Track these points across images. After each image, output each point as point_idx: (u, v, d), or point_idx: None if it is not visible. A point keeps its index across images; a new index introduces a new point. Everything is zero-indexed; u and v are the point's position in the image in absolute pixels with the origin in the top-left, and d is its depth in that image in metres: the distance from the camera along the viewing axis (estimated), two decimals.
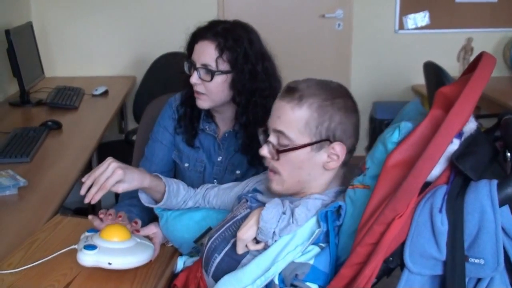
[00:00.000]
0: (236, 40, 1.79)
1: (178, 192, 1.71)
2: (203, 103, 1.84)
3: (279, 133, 1.39)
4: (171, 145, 2.00)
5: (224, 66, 1.79)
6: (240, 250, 1.36)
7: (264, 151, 1.43)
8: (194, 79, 1.80)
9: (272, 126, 1.42)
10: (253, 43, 1.83)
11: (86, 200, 1.48)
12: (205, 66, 1.79)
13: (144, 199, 1.69)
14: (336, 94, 1.40)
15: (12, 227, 1.78)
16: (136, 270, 1.49)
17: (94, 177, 1.50)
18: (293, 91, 1.39)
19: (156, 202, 1.69)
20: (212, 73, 1.78)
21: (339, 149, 1.38)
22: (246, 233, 1.35)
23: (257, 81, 1.82)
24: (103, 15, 4.16)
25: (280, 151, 1.39)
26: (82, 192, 1.49)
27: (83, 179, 1.51)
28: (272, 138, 1.41)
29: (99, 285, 1.43)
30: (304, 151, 1.38)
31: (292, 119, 1.37)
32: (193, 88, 1.83)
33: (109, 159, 1.53)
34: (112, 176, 1.50)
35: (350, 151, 1.42)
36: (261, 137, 1.49)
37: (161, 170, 1.94)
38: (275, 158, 1.41)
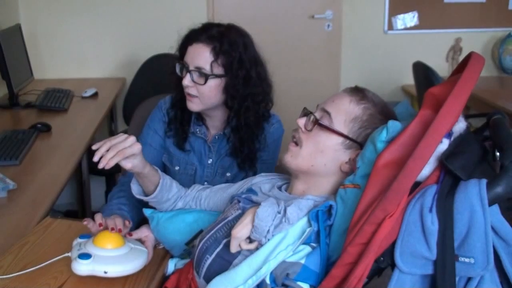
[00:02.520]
0: (231, 45, 1.79)
1: (171, 187, 1.70)
2: (194, 106, 1.84)
3: (326, 113, 1.45)
4: (160, 148, 1.99)
5: (218, 70, 1.79)
6: (233, 248, 1.36)
7: (301, 121, 1.47)
8: (187, 81, 1.80)
9: (323, 105, 1.47)
10: (248, 47, 1.83)
11: (101, 165, 1.44)
12: (198, 69, 1.78)
13: (135, 190, 1.68)
14: (390, 116, 1.43)
15: (1, 230, 1.77)
16: None
17: (110, 144, 1.47)
18: (358, 90, 1.48)
19: (147, 195, 1.68)
20: (206, 77, 1.77)
21: None
22: (241, 231, 1.35)
23: (250, 86, 1.82)
24: (92, 16, 4.15)
25: (318, 123, 1.43)
26: (96, 158, 1.46)
27: (95, 147, 1.48)
28: (317, 114, 1.46)
29: None
30: (335, 140, 1.43)
31: (345, 109, 1.44)
32: (185, 90, 1.83)
33: (125, 134, 1.52)
34: (131, 147, 1.49)
35: None
36: (302, 114, 1.51)
37: None
38: (308, 128, 1.45)
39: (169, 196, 1.70)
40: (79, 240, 1.52)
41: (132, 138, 1.51)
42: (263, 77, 1.88)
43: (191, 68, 1.80)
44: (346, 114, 1.43)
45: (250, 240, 1.36)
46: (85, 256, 1.41)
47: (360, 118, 1.42)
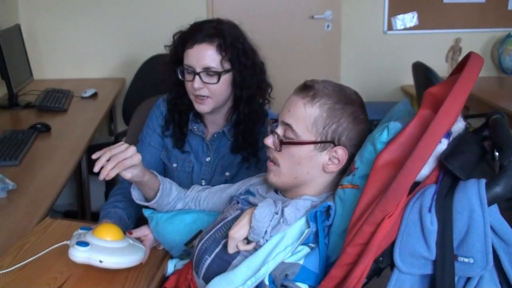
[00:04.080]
0: (233, 38, 1.80)
1: (170, 191, 1.70)
2: (206, 107, 1.84)
3: (287, 126, 1.41)
4: (160, 146, 1.99)
5: (227, 65, 1.80)
6: (231, 249, 1.36)
7: (269, 140, 1.44)
8: (197, 84, 1.78)
9: (281, 118, 1.44)
10: (245, 37, 1.85)
11: (101, 177, 1.44)
12: (206, 69, 1.78)
13: (135, 196, 1.68)
14: (349, 101, 1.41)
15: (1, 231, 1.77)
16: (127, 273, 1.49)
17: (110, 154, 1.47)
18: (308, 89, 1.42)
19: (147, 200, 1.68)
20: (218, 74, 1.78)
21: (341, 154, 1.39)
22: (238, 232, 1.35)
23: (256, 73, 1.85)
24: (92, 17, 4.15)
25: (283, 142, 1.41)
26: (96, 168, 1.45)
27: (95, 156, 1.47)
28: (279, 130, 1.43)
29: None
30: (306, 148, 1.40)
31: (302, 115, 1.39)
32: (194, 93, 1.82)
33: (125, 143, 1.51)
34: (132, 158, 1.48)
35: (351, 158, 1.41)
36: (269, 128, 1.50)
37: None
38: (277, 149, 1.42)
39: (169, 200, 1.70)
40: (79, 231, 1.53)
41: (133, 149, 1.50)
42: (263, 63, 1.91)
43: (198, 70, 1.78)
44: (305, 120, 1.39)
45: (247, 241, 1.36)
46: (83, 243, 1.42)
47: (320, 118, 1.38)
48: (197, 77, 1.79)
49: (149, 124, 2.00)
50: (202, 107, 1.84)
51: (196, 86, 1.79)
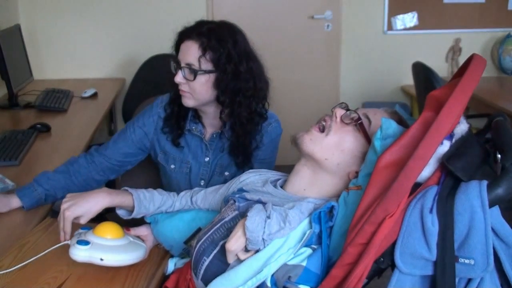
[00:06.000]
0: (220, 40, 1.79)
1: (152, 198, 1.71)
2: (188, 101, 1.85)
3: (367, 119, 1.45)
4: (139, 141, 2.01)
5: (207, 65, 1.79)
6: (230, 260, 1.35)
7: (341, 111, 1.47)
8: (179, 78, 1.81)
9: (365, 112, 1.48)
10: (238, 43, 1.83)
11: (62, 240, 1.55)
12: (189, 66, 1.79)
13: (122, 214, 1.70)
14: None
15: (1, 231, 1.77)
16: (127, 271, 1.49)
17: (58, 221, 1.58)
18: (397, 115, 1.48)
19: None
20: (195, 73, 1.78)
21: None
22: (235, 244, 1.33)
23: (240, 81, 1.82)
24: (92, 17, 4.15)
25: (359, 122, 1.44)
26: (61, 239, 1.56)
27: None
28: (360, 112, 1.46)
29: (90, 287, 1.43)
30: (361, 146, 1.43)
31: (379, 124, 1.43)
32: (179, 87, 1.84)
33: (64, 200, 1.59)
34: (65, 220, 1.55)
35: None
36: (342, 105, 1.51)
37: (131, 151, 2.01)
38: (345, 121, 1.45)
39: (156, 205, 1.71)
40: (80, 230, 1.54)
41: (61, 209, 1.57)
42: (256, 73, 1.87)
43: (182, 65, 1.81)
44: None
45: (246, 248, 1.35)
46: (84, 242, 1.43)
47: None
48: (179, 72, 1.81)
49: (140, 118, 2.01)
50: (185, 100, 1.86)
51: (177, 80, 1.82)
